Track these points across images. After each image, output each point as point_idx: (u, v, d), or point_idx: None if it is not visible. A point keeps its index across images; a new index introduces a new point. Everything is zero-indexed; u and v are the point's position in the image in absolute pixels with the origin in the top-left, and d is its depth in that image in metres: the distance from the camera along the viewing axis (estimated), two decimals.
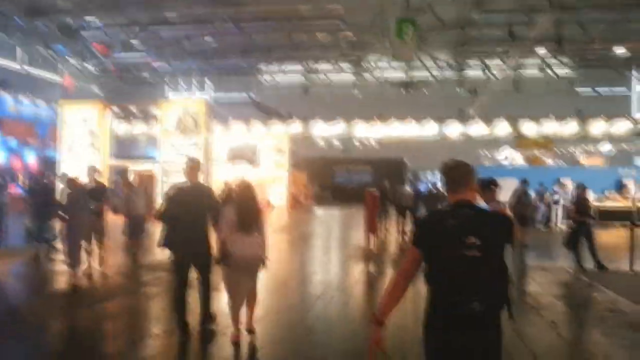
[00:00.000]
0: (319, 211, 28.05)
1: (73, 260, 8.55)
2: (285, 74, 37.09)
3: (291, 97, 37.64)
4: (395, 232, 16.49)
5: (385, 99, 35.83)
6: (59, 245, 10.68)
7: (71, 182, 8.99)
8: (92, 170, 10.24)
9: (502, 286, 2.90)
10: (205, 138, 17.92)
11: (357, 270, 10.78)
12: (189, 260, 5.91)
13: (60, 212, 9.56)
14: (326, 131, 32.29)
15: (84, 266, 8.87)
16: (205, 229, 5.89)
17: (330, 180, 36.57)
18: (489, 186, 6.79)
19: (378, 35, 29.77)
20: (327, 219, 23.86)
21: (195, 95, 38.80)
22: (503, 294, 2.91)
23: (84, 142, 18.71)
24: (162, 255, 10.25)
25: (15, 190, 19.92)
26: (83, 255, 8.85)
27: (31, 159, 24.85)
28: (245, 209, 5.57)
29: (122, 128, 30.02)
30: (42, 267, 10.71)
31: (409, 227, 16.46)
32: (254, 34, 29.35)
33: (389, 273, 11.33)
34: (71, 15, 26.51)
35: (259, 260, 5.69)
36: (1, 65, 27.23)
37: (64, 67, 32.36)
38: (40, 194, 11.01)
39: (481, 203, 4.09)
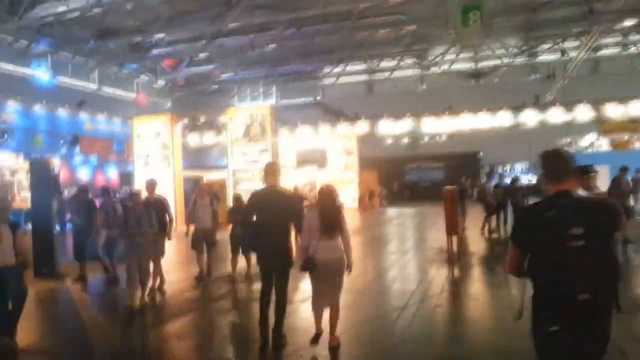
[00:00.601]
0: (392, 211, 26.88)
1: (133, 280, 7.80)
2: (348, 75, 36.50)
3: (356, 97, 36.92)
4: (479, 232, 15.33)
5: (453, 92, 34.31)
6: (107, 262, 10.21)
7: (133, 197, 8.31)
8: (150, 183, 9.09)
9: (609, 276, 2.81)
10: (272, 143, 17.46)
11: (441, 276, 9.72)
12: (271, 268, 5.72)
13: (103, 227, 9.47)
14: (394, 129, 31.16)
15: (147, 286, 8.28)
16: (287, 234, 5.68)
17: (401, 179, 35.31)
18: (586, 172, 6.07)
19: (442, 25, 28.57)
20: (400, 220, 22.66)
21: (261, 103, 39.06)
22: (611, 284, 2.84)
23: (157, 155, 18.76)
24: (229, 268, 9.87)
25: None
26: (146, 274, 8.11)
27: (113, 175, 25.49)
28: (328, 213, 5.38)
29: (194, 139, 30.46)
30: (96, 287, 10.01)
31: (496, 223, 15.30)
32: (314, 36, 28.92)
33: (476, 277, 10.28)
34: (140, 34, 27.10)
35: (344, 265, 5.49)
36: (78, 87, 28.26)
37: (137, 84, 33.36)
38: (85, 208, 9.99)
39: (580, 191, 3.70)
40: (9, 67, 25.65)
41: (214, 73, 33.72)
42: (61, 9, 22.42)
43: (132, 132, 19.36)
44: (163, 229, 8.66)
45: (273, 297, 5.85)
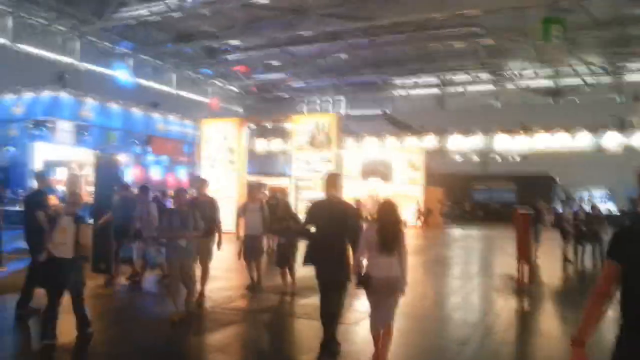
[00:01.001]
0: (456, 231, 25.55)
1: (174, 287, 7.04)
2: (419, 87, 35.53)
3: (426, 111, 35.83)
4: (555, 260, 13.97)
5: (529, 109, 32.53)
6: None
7: (178, 196, 7.17)
8: (198, 180, 8.45)
9: None
10: (337, 153, 16.92)
11: (509, 308, 8.77)
12: (329, 280, 5.54)
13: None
14: (463, 145, 29.88)
15: (188, 294, 7.20)
16: (346, 247, 5.47)
17: (468, 198, 33.71)
18: None
19: (520, 39, 27.15)
20: (466, 241, 21.31)
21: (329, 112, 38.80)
22: None
23: (222, 159, 18.68)
24: (277, 278, 9.32)
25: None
26: (187, 280, 7.07)
27: (183, 176, 25.92)
28: (387, 228, 5.09)
29: (261, 145, 30.55)
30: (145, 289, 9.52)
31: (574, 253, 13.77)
32: (386, 46, 28.30)
33: (549, 312, 9.21)
34: (215, 40, 27.54)
35: (399, 285, 5.16)
36: (155, 89, 29.07)
37: (210, 88, 33.99)
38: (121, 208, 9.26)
39: None
40: (91, 66, 26.79)
41: (284, 81, 33.82)
42: (143, 12, 23.10)
43: (201, 134, 19.37)
44: (210, 232, 7.85)
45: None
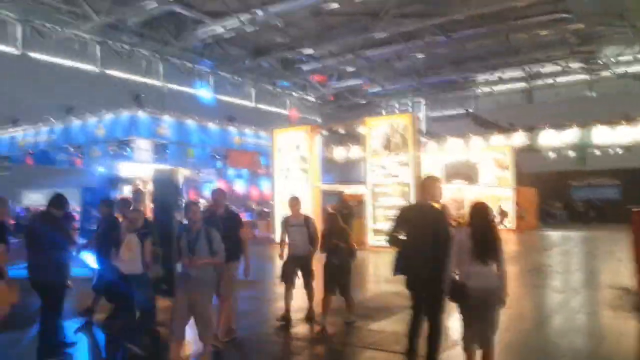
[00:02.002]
0: (554, 234, 22.84)
1: (173, 330, 5.25)
2: (504, 82, 33.07)
3: (513, 107, 33.34)
4: None
5: (630, 98, 29.07)
6: None
7: (190, 211, 5.41)
8: (219, 193, 6.79)
9: None
10: (414, 155, 15.48)
11: (629, 332, 6.99)
12: (422, 292, 5.05)
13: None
14: (557, 140, 27.10)
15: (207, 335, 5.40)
16: (440, 257, 4.79)
17: (565, 197, 30.42)
18: None
19: (614, 21, 24.27)
20: (565, 246, 18.63)
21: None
22: None
23: (296, 168, 17.83)
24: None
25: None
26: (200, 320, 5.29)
27: (266, 188, 25.49)
28: (481, 234, 4.58)
29: (340, 153, 29.61)
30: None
31: None
32: (466, 42, 26.43)
33: None
34: (290, 51, 27.13)
35: (498, 297, 4.59)
36: (233, 103, 29.22)
37: (288, 100, 33.72)
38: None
39: None
40: (173, 86, 27.37)
41: (362, 87, 32.79)
42: (218, 29, 23.08)
43: (273, 144, 18.66)
44: (234, 256, 6.15)
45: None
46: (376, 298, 9.01)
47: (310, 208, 16.37)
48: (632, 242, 8.59)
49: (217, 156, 21.48)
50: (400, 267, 5.20)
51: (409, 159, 15.51)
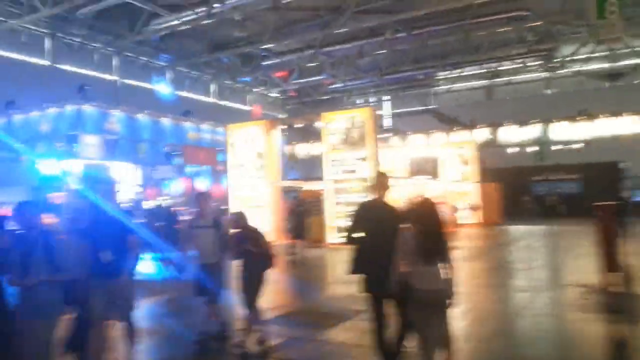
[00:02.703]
0: (516, 230, 22.48)
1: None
2: (465, 79, 32.85)
3: (473, 104, 33.17)
4: None
5: (586, 95, 29.24)
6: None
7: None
8: (201, 196, 5.94)
9: None
10: (373, 150, 14.75)
11: (600, 335, 6.38)
12: (381, 292, 4.63)
13: None
14: (517, 136, 26.95)
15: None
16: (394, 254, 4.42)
17: (526, 192, 30.32)
18: None
19: (571, 20, 24.20)
20: (528, 241, 18.15)
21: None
22: None
23: (251, 165, 16.81)
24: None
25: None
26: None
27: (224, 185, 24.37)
28: (426, 233, 4.26)
29: (302, 149, 28.79)
30: None
31: None
32: (427, 39, 25.98)
33: None
34: (250, 46, 26.12)
35: (444, 298, 4.27)
36: (192, 99, 28.00)
37: (250, 96, 32.67)
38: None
39: None
40: (130, 81, 26.03)
41: (324, 82, 32.00)
42: (174, 22, 21.87)
43: (227, 140, 17.58)
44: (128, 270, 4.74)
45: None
46: (329, 301, 8.22)
47: (269, 206, 15.53)
48: (596, 238, 8.04)
49: (172, 152, 20.25)
50: (358, 266, 4.80)
51: (368, 154, 14.78)
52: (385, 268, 4.43)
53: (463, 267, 11.69)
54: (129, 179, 19.08)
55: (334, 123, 15.49)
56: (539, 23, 24.36)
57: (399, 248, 4.32)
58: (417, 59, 29.77)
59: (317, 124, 16.08)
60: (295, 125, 18.74)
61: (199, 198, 6.03)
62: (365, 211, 4.96)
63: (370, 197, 5.07)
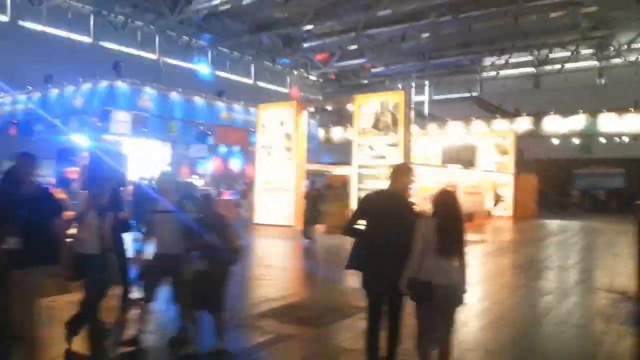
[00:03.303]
0: (554, 224, 21.24)
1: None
2: (511, 67, 31.18)
3: (519, 92, 31.53)
4: None
5: (639, 87, 27.16)
6: None
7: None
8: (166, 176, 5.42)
9: None
10: (404, 136, 13.97)
11: (619, 349, 5.59)
12: (385, 290, 4.26)
13: None
14: (562, 127, 25.34)
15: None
16: (407, 250, 4.07)
17: (568, 186, 28.57)
18: None
19: (630, 5, 22.35)
20: (565, 237, 16.66)
21: (414, 98, 35.46)
22: None
23: (279, 145, 16.30)
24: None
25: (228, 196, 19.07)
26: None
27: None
28: (446, 226, 3.96)
29: (338, 133, 28.15)
30: None
31: None
32: (473, 24, 24.64)
33: None
34: (291, 27, 25.58)
35: (458, 293, 3.99)
36: (233, 80, 27.75)
37: (289, 78, 32.18)
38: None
39: None
40: (171, 60, 26.02)
41: (364, 66, 31.12)
42: (216, 2, 21.57)
43: (257, 120, 17.11)
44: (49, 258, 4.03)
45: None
46: (333, 294, 7.67)
47: (294, 188, 15.04)
48: (635, 238, 7.10)
49: (206, 132, 20.02)
50: (357, 261, 4.35)
51: (399, 140, 14.02)
52: (390, 264, 4.12)
53: (487, 264, 10.94)
54: (159, 156, 19.06)
55: (365, 106, 14.74)
56: (594, 8, 22.70)
57: (418, 242, 4.02)
58: (463, 43, 28.48)
59: (350, 107, 15.25)
60: (329, 108, 18.00)
61: (162, 177, 5.31)
62: (371, 201, 4.49)
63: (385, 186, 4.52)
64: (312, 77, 32.94)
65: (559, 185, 26.59)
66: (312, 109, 17.16)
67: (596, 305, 7.40)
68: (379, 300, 4.27)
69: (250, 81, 29.23)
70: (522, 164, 23.31)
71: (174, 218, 4.74)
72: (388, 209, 4.26)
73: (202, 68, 26.53)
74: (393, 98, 14.43)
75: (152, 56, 25.24)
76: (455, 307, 4.04)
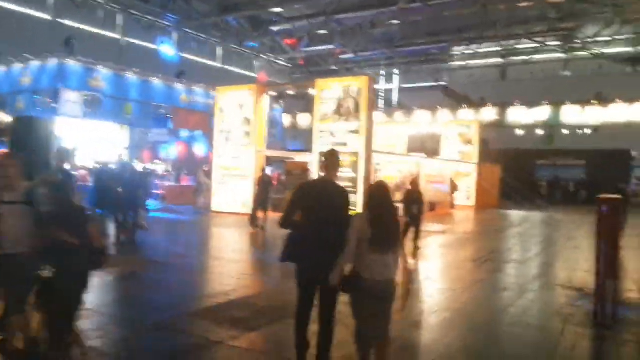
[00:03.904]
0: (516, 215, 20.52)
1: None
2: (479, 57, 30.84)
3: (486, 82, 31.31)
4: None
5: (604, 80, 27.21)
6: None
7: None
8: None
9: None
10: (366, 122, 13.34)
11: (579, 347, 5.18)
12: (317, 280, 3.95)
13: None
14: (526, 118, 25.17)
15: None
16: (342, 241, 3.77)
17: (530, 177, 28.56)
18: None
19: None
20: (525, 228, 16.47)
21: (383, 86, 34.92)
22: None
23: (238, 130, 15.38)
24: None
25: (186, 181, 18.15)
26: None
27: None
28: (379, 219, 3.75)
29: (304, 119, 27.40)
30: None
31: None
32: (443, 12, 24.11)
33: None
34: (259, 9, 24.57)
35: (392, 290, 3.74)
36: (201, 62, 26.60)
37: (257, 62, 31.12)
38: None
39: None
40: (135, 41, 24.70)
41: (334, 52, 30.30)
42: None
43: (215, 104, 16.17)
44: None
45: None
46: (274, 290, 7.03)
47: (252, 176, 14.24)
48: (596, 233, 6.63)
49: (165, 115, 18.96)
50: (290, 253, 4.17)
51: (361, 127, 13.38)
52: (325, 256, 3.87)
53: (446, 255, 10.48)
54: (115, 139, 17.99)
55: (328, 91, 14.01)
56: (562, 0, 22.45)
57: (352, 235, 3.77)
58: (432, 32, 27.97)
59: (312, 92, 14.48)
60: (291, 92, 17.15)
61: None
62: (306, 192, 4.23)
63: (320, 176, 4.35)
64: (281, 62, 31.98)
65: (523, 176, 26.50)
66: (274, 93, 16.25)
67: (553, 303, 6.96)
68: (310, 293, 4.05)
69: (217, 64, 28.09)
70: (486, 154, 23.06)
71: (20, 210, 3.75)
72: (324, 200, 4.06)
73: (167, 49, 25.28)
74: (356, 83, 13.73)
75: (114, 35, 23.89)
76: (391, 302, 3.80)
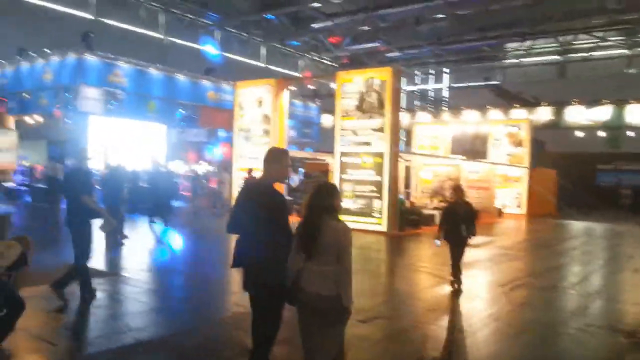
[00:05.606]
0: (573, 225, 17.85)
1: None
2: (535, 54, 27.91)
3: (543, 81, 28.38)
4: None
5: None
6: None
7: None
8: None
9: None
10: (391, 120, 11.55)
11: None
12: (250, 287, 3.55)
13: None
14: (586, 117, 22.21)
15: None
16: (271, 244, 3.37)
17: (590, 182, 25.06)
18: None
19: None
20: (584, 239, 14.25)
21: (431, 86, 32.72)
22: None
23: (257, 128, 13.96)
24: None
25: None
26: None
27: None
28: (311, 222, 3.23)
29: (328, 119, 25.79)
30: None
31: None
32: (492, 3, 21.73)
33: None
34: (298, 5, 23.26)
35: (335, 308, 3.15)
36: (244, 62, 25.63)
37: (301, 62, 29.81)
38: None
39: None
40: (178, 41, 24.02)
41: (379, 49, 28.42)
42: None
43: (235, 100, 14.81)
44: None
45: None
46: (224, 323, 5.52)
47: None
48: None
49: (186, 113, 17.84)
50: (234, 259, 3.66)
51: (385, 124, 11.60)
52: (249, 263, 3.56)
53: (466, 278, 8.17)
54: (152, 139, 17.17)
55: (349, 84, 12.31)
56: None
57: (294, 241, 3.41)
58: (483, 27, 25.54)
59: (333, 86, 12.86)
60: (311, 87, 15.61)
61: None
62: (240, 193, 3.76)
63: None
64: (326, 61, 30.50)
65: (584, 181, 23.36)
66: (293, 88, 14.75)
67: (591, 352, 4.99)
68: (250, 296, 3.65)
69: (261, 64, 26.99)
70: (541, 157, 20.39)
71: None
72: (246, 202, 3.62)
73: (210, 49, 24.48)
74: (380, 75, 11.92)
75: (158, 35, 23.28)
76: (328, 324, 3.23)
